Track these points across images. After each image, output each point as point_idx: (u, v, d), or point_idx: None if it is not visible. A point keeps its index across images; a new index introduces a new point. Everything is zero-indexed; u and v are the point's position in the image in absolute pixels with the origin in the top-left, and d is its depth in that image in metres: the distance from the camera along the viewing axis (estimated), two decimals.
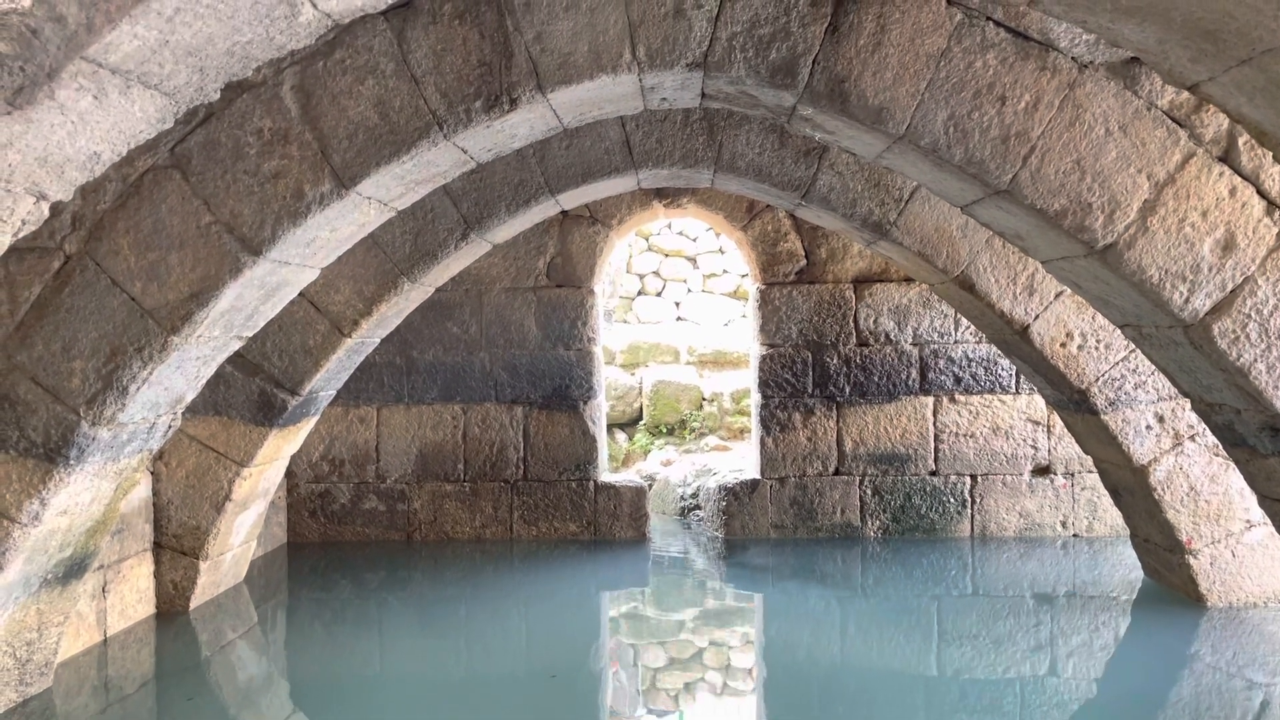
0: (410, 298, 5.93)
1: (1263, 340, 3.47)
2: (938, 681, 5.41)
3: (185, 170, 3.53)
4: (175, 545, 5.63)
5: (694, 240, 13.18)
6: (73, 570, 4.13)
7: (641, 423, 9.99)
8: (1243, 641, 5.28)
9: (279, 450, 5.93)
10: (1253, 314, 3.48)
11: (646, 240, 13.37)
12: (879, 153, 3.87)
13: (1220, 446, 4.65)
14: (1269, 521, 4.55)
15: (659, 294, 13.35)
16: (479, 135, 3.68)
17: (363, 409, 7.68)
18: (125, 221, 3.53)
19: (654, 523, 7.90)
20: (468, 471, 7.71)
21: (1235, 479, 5.41)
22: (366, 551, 7.65)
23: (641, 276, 13.31)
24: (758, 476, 7.66)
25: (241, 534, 6.13)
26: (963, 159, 3.51)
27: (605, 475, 7.84)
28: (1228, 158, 3.49)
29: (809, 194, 5.48)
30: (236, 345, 4.10)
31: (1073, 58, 3.48)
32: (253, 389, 5.50)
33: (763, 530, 7.64)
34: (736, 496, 7.66)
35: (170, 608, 5.75)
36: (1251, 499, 5.36)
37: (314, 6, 2.11)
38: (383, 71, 3.52)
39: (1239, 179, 3.49)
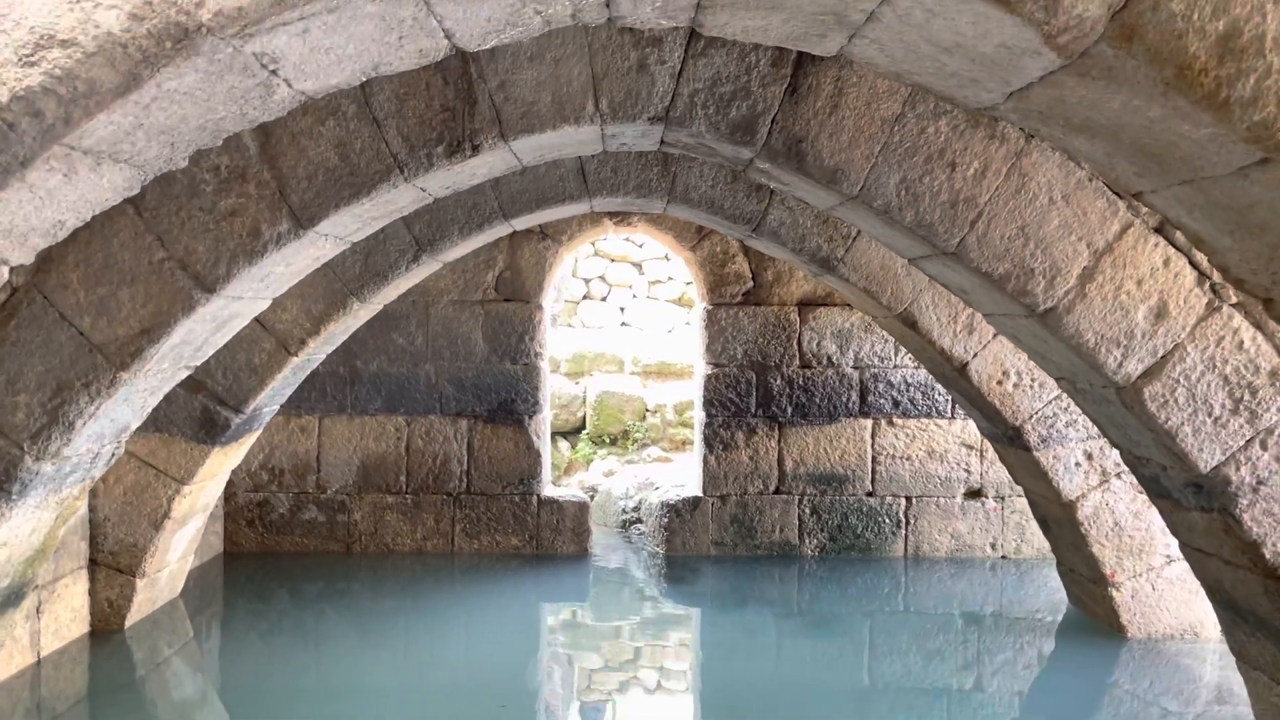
0: (359, 316, 5.90)
1: (1190, 405, 3.64)
2: (868, 695, 5.60)
3: (139, 205, 3.48)
4: (112, 563, 5.54)
5: (640, 246, 13.23)
6: (10, 599, 4.05)
7: (584, 432, 10.03)
8: (1160, 671, 5.52)
9: (220, 466, 5.86)
10: (1181, 380, 3.64)
11: (593, 245, 13.40)
12: (832, 206, 3.96)
13: (1139, 481, 4.86)
14: (1179, 547, 4.77)
15: (604, 299, 13.38)
16: (440, 176, 3.69)
17: (304, 418, 7.60)
18: (75, 255, 3.48)
19: (596, 536, 7.96)
20: (410, 483, 7.69)
21: (1157, 516, 5.64)
22: (305, 562, 7.59)
23: (587, 281, 13.33)
24: (700, 494, 7.76)
25: (179, 549, 6.05)
26: (913, 221, 3.62)
27: (549, 490, 7.88)
28: (1163, 229, 3.65)
29: (760, 227, 5.57)
30: (185, 374, 4.06)
31: (1020, 128, 3.60)
32: (195, 406, 5.43)
33: (703, 547, 7.75)
34: (678, 513, 7.75)
35: (106, 626, 5.65)
36: (1172, 535, 5.60)
37: (289, 86, 2.11)
38: (344, 113, 3.51)
39: (1173, 250, 3.65)
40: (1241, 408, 3.63)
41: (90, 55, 1.70)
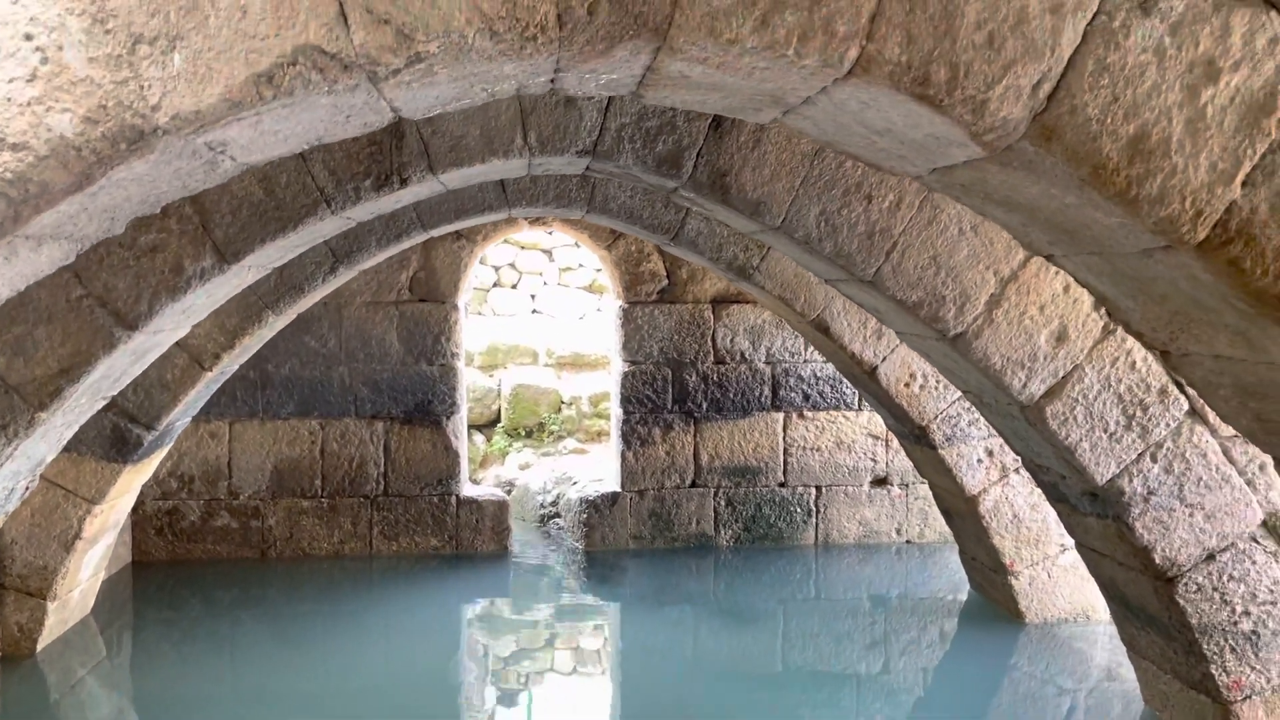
0: (274, 327, 5.81)
1: (1088, 422, 3.89)
2: (781, 680, 5.84)
3: None
4: (20, 586, 5.37)
5: (550, 234, 13.19)
6: None
7: (500, 425, 10.04)
8: (1055, 653, 5.88)
9: (131, 484, 5.72)
10: (1080, 398, 3.89)
11: None
12: (754, 232, 4.08)
13: None
14: (1075, 546, 5.10)
15: (514, 286, 13.33)
16: (367, 208, 3.68)
17: (214, 424, 7.44)
18: None
19: (515, 533, 8.02)
20: (326, 487, 7.60)
21: (1051, 508, 5.99)
22: (218, 570, 7.46)
23: (497, 269, 13.26)
24: (618, 489, 7.88)
25: (90, 568, 5.89)
26: (832, 251, 3.76)
27: (468, 489, 7.89)
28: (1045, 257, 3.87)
29: (678, 237, 5.67)
30: (101, 404, 3.96)
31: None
32: (105, 424, 5.29)
33: (622, 541, 7.88)
34: (597, 509, 7.86)
35: (16, 651, 5.48)
36: (1069, 535, 5.95)
37: (234, 160, 2.11)
38: None
39: (1072, 278, 3.87)
40: (1134, 423, 3.90)
41: (42, 159, 1.68)
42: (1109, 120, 1.90)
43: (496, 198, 5.45)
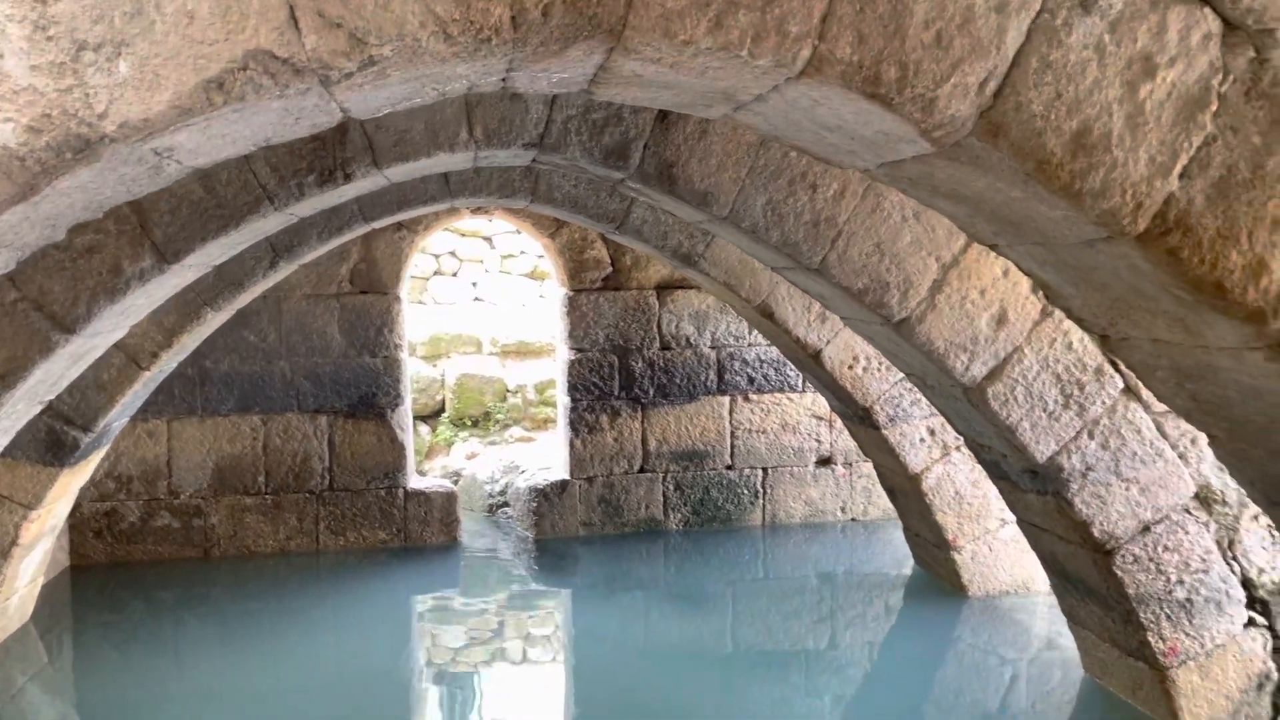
0: (213, 324, 5.69)
1: (1028, 402, 3.99)
2: (731, 660, 5.93)
3: None
4: None
5: (490, 221, 13.08)
6: None
7: (445, 415, 9.97)
8: (997, 625, 6.04)
9: (69, 487, 5.58)
10: (1020, 380, 3.99)
11: None
12: (701, 222, 4.11)
13: None
14: (1016, 521, 5.25)
15: (455, 274, 13.20)
16: (311, 203, 3.63)
17: (151, 422, 7.27)
18: None
19: (464, 523, 7.99)
20: (269, 484, 7.49)
21: (992, 484, 6.14)
22: (160, 571, 7.31)
23: (437, 257, 13.11)
24: (567, 477, 7.89)
25: (28, 574, 5.74)
26: (779, 240, 3.80)
27: (415, 481, 7.83)
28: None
29: (623, 225, 5.67)
30: (38, 409, 3.86)
31: None
32: (40, 428, 5.14)
33: (572, 528, 7.90)
34: (546, 497, 7.86)
35: None
36: (1010, 512, 6.12)
37: (180, 164, 2.07)
38: None
39: (1010, 262, 3.96)
40: (1072, 402, 4.01)
41: None
42: (1053, 116, 1.95)
43: (439, 189, 5.40)
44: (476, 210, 7.52)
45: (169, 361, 5.62)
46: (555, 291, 8.31)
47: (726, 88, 2.13)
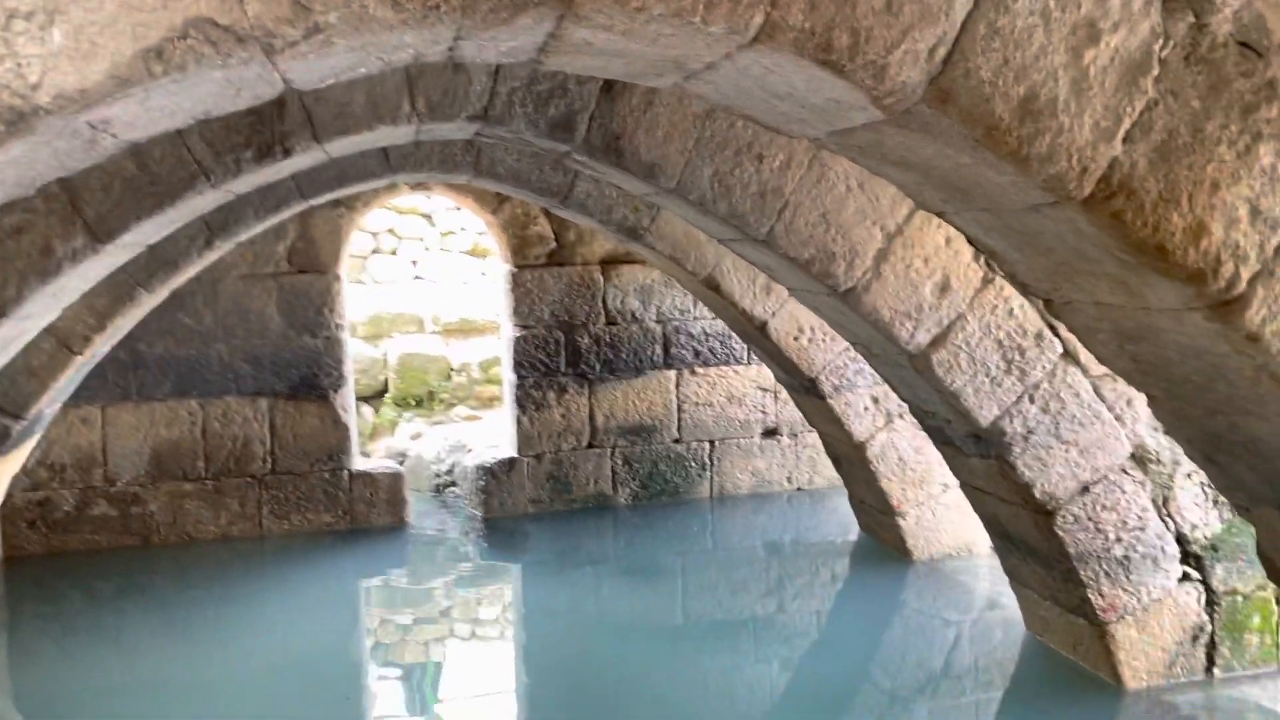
0: (147, 306, 5.54)
1: (971, 368, 4.07)
2: (682, 631, 6.00)
3: None
4: None
5: (429, 198, 12.91)
6: None
7: (388, 396, 9.85)
8: (941, 587, 6.18)
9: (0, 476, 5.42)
10: (963, 346, 4.06)
11: None
12: (647, 194, 4.09)
13: None
14: (960, 485, 5.38)
15: (394, 253, 13.01)
16: (249, 179, 3.54)
17: (84, 409, 7.07)
18: None
19: (412, 504, 7.92)
20: (209, 469, 7.34)
21: (935, 450, 6.24)
22: (98, 560, 7.14)
23: (375, 235, 12.90)
24: (514, 454, 7.86)
25: None
26: (726, 212, 3.81)
27: (360, 463, 7.74)
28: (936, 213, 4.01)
29: (567, 199, 5.63)
30: None
31: None
32: None
33: (521, 506, 7.88)
34: (494, 475, 7.83)
35: None
36: (953, 476, 6.24)
37: (115, 138, 2.00)
38: None
39: (953, 230, 4.02)
40: (1013, 367, 4.10)
41: None
42: (1000, 82, 1.98)
43: (379, 164, 5.30)
44: (416, 186, 7.43)
45: (102, 345, 5.46)
46: (498, 268, 8.24)
47: (678, 55, 2.12)
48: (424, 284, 12.65)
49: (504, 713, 5.02)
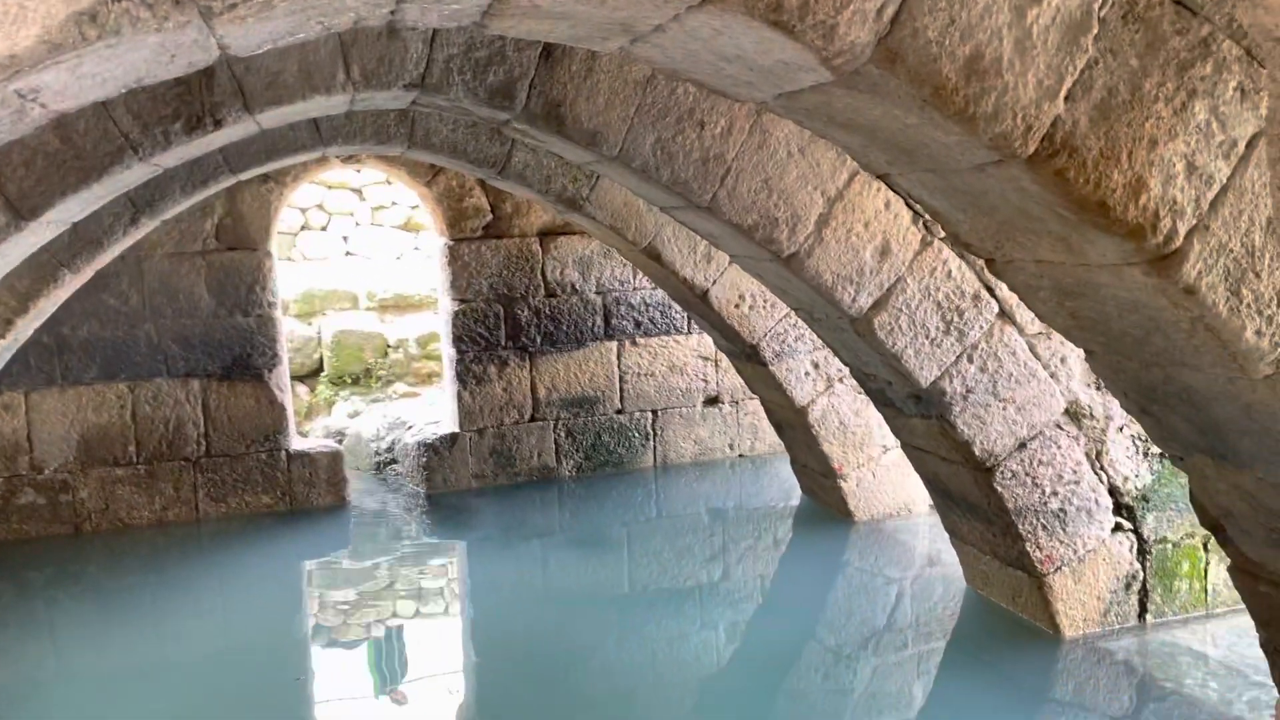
0: (71, 286, 5.36)
1: (911, 330, 4.14)
2: (629, 600, 6.04)
3: None
4: None
5: (359, 172, 12.66)
6: None
7: (323, 374, 9.68)
8: (882, 547, 6.31)
9: None
10: (903, 309, 4.13)
11: None
12: (589, 163, 4.06)
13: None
14: (900, 446, 5.48)
15: (324, 228, 12.75)
16: (179, 152, 3.43)
17: (7, 395, 6.82)
18: None
19: (352, 483, 7.82)
20: (141, 453, 7.15)
21: (874, 412, 6.35)
22: (27, 550, 6.93)
23: (304, 210, 12.61)
24: (456, 430, 7.80)
25: None
26: (669, 179, 3.80)
27: (297, 443, 7.61)
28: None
29: (505, 170, 5.57)
30: None
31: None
32: None
33: (464, 481, 7.83)
34: (436, 451, 7.76)
35: None
36: (887, 427, 6.35)
37: (44, 108, 1.91)
38: None
39: (892, 194, 4.08)
40: (952, 328, 4.17)
41: None
42: (947, 42, 2.00)
43: (310, 136, 5.18)
44: (347, 160, 7.27)
45: (24, 329, 5.27)
46: (433, 242, 8.13)
47: (625, 18, 2.10)
48: (356, 260, 12.42)
49: (454, 688, 5.00)
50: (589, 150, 3.73)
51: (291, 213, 12.37)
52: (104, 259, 5.37)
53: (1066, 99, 2.04)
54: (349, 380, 9.62)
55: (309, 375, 9.69)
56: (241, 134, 3.69)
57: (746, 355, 6.32)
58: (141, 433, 7.14)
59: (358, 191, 12.87)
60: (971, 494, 4.53)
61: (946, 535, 5.30)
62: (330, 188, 12.61)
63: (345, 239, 12.76)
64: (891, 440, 6.38)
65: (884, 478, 6.50)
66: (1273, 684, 3.37)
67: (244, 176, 5.52)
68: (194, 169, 5.15)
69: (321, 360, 9.76)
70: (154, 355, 7.08)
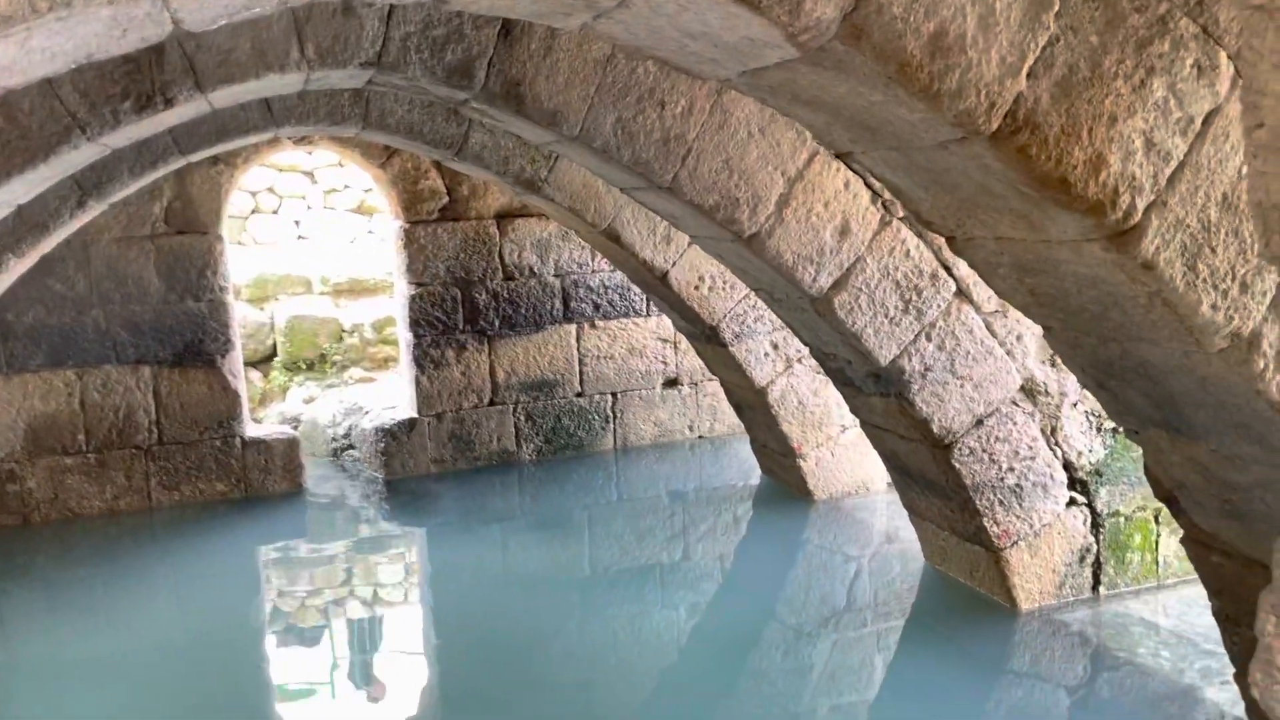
0: (15, 271, 5.21)
1: (871, 309, 4.17)
2: (590, 582, 6.06)
3: None
4: None
5: (311, 153, 12.45)
6: None
7: (277, 360, 9.53)
8: (841, 525, 6.37)
9: None
10: (863, 288, 4.15)
11: None
12: (549, 143, 4.03)
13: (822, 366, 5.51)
14: (859, 425, 5.54)
15: (275, 212, 12.53)
16: (129, 132, 3.34)
17: None
18: None
19: (309, 469, 7.73)
20: (91, 441, 7.00)
21: (833, 392, 6.40)
22: None
23: (254, 194, 12.39)
24: (414, 415, 7.73)
25: None
26: (630, 159, 3.78)
27: (252, 429, 7.50)
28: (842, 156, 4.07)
29: (462, 151, 5.51)
30: None
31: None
32: None
33: (423, 466, 7.77)
34: (394, 436, 7.70)
35: None
36: (845, 407, 6.41)
37: None
38: None
39: (851, 173, 4.10)
40: (910, 307, 4.21)
41: None
42: (911, 19, 2.00)
43: (262, 117, 5.08)
44: (299, 141, 7.15)
45: None
46: (389, 225, 8.03)
47: None
48: (309, 244, 12.24)
49: (415, 673, 4.98)
50: (549, 130, 3.70)
51: (242, 196, 12.15)
52: (49, 243, 5.23)
53: (1029, 76, 2.06)
54: (303, 366, 9.49)
55: (262, 361, 9.54)
56: (192, 114, 3.61)
57: (706, 337, 6.33)
58: (91, 421, 6.99)
59: (310, 175, 12.67)
60: (930, 471, 4.58)
61: (905, 512, 5.37)
62: (281, 171, 12.40)
63: (297, 223, 12.57)
64: (850, 419, 6.44)
65: (843, 457, 6.56)
66: (1223, 651, 3.46)
67: (194, 158, 5.40)
68: (143, 150, 5.03)
69: (275, 346, 9.61)
70: (102, 342, 6.93)
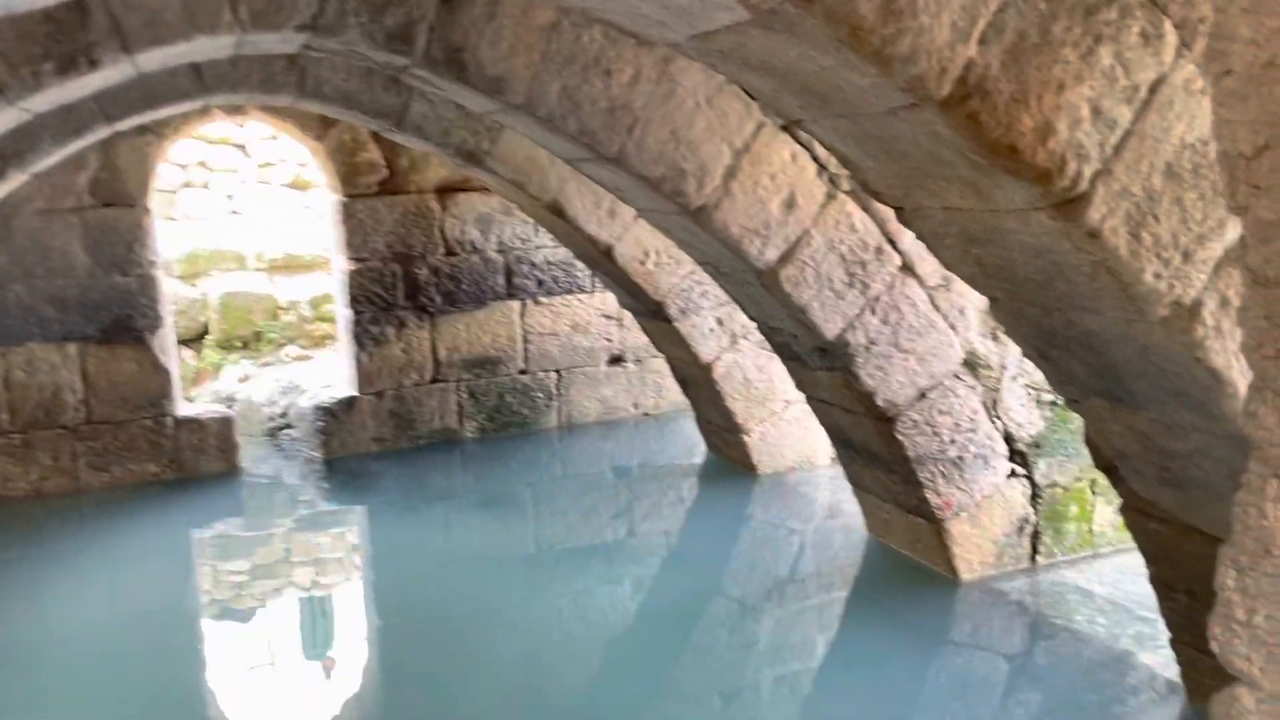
0: None
1: (817, 283, 4.17)
2: (535, 560, 6.03)
3: None
4: None
5: (243, 126, 12.12)
6: None
7: (210, 338, 9.29)
8: (785, 499, 6.41)
9: None
10: (809, 261, 4.16)
11: None
12: (493, 112, 3.96)
13: (766, 342, 5.52)
14: (804, 400, 5.56)
15: (206, 186, 12.19)
16: (51, 95, 3.20)
17: None
18: None
19: (245, 448, 7.55)
20: (15, 422, 6.75)
21: (777, 367, 6.42)
22: None
23: (184, 167, 12.02)
24: (354, 393, 7.59)
25: None
26: (576, 129, 3.72)
27: (185, 408, 7.30)
28: (789, 128, 4.06)
29: (402, 122, 5.39)
30: None
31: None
32: None
33: (363, 445, 7.65)
34: (334, 415, 7.56)
35: None
36: (789, 382, 6.44)
37: None
38: None
39: (798, 146, 4.08)
40: (856, 281, 4.23)
41: None
42: None
43: (193, 84, 4.91)
44: (231, 111, 6.93)
45: None
46: (325, 199, 7.86)
47: None
48: (241, 219, 11.93)
49: (357, 653, 4.91)
50: (492, 99, 3.63)
51: (172, 170, 11.79)
52: None
53: (980, 42, 2.05)
54: (238, 344, 9.27)
55: (195, 339, 9.30)
56: (119, 77, 3.46)
57: (652, 313, 6.30)
58: (15, 400, 6.74)
59: (241, 147, 12.33)
60: (873, 444, 4.62)
61: (848, 486, 5.41)
62: (212, 143, 12.05)
63: (230, 197, 12.24)
64: (795, 394, 6.47)
65: (787, 431, 6.60)
66: (1157, 617, 3.55)
67: (120, 127, 5.21)
68: (66, 117, 4.83)
69: (208, 324, 9.37)
70: (26, 318, 6.67)
